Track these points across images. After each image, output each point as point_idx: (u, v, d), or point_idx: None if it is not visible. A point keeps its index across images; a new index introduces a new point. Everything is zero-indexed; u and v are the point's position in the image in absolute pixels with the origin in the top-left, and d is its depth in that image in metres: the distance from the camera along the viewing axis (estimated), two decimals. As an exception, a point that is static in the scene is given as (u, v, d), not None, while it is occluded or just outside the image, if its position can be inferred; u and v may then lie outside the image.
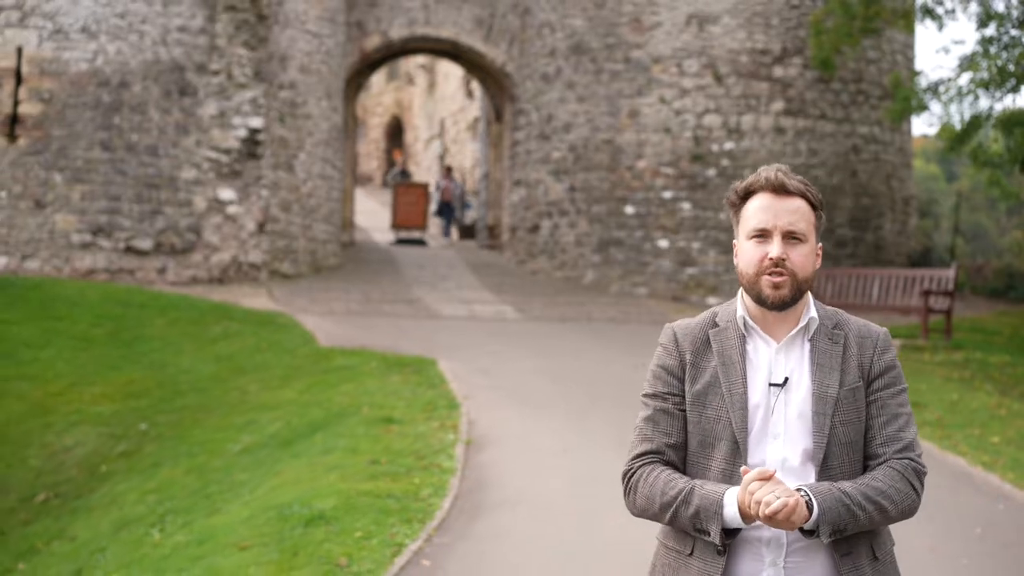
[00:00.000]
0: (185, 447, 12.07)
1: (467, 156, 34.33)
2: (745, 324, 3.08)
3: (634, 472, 3.07)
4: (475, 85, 32.91)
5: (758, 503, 2.80)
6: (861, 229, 22.58)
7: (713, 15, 21.79)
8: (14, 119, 19.31)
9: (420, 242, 27.55)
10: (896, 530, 4.52)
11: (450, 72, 35.99)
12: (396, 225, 28.01)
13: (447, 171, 30.94)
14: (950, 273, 17.50)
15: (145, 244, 19.70)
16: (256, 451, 11.02)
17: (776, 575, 2.96)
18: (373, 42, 23.97)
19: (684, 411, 3.08)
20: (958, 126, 18.24)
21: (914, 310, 17.46)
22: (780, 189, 3.04)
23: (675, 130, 21.85)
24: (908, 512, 3.02)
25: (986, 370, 15.36)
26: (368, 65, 24.94)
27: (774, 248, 3.01)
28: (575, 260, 22.59)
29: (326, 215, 22.62)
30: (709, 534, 2.92)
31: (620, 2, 22.14)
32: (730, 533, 2.94)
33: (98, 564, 9.23)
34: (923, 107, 18.73)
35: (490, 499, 7.97)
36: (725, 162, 21.69)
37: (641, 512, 3.07)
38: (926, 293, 16.91)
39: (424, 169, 39.18)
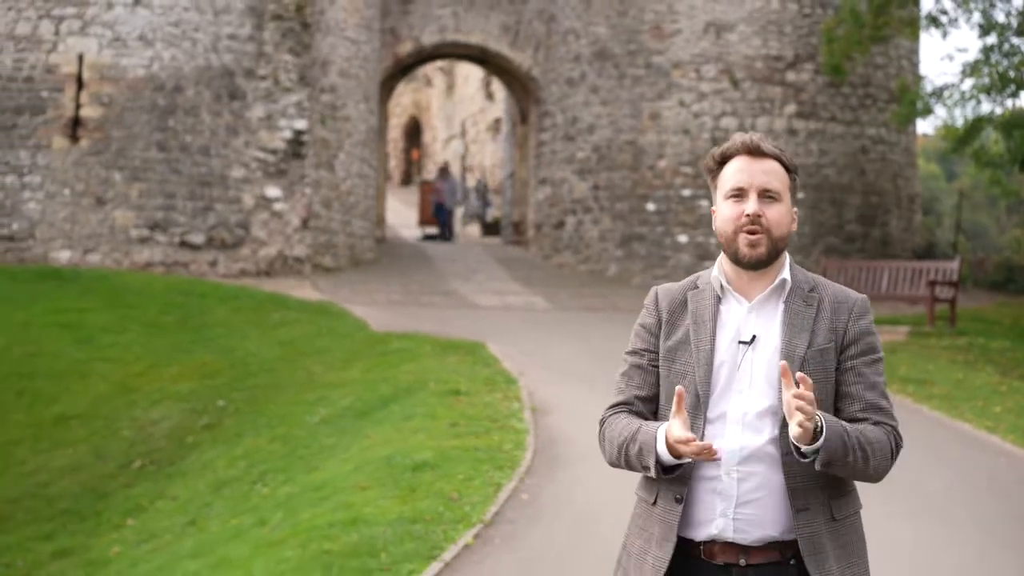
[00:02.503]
0: (264, 420, 13.34)
1: (487, 156, 35.63)
2: (721, 286, 3.18)
3: (604, 421, 3.22)
4: (495, 87, 34.19)
5: (677, 441, 2.95)
6: (869, 225, 23.88)
7: (730, 23, 23.09)
8: (76, 122, 20.59)
9: (446, 238, 28.82)
10: (918, 473, 5.82)
11: (469, 74, 37.27)
12: (423, 222, 29.27)
13: (442, 170, 30.99)
14: (954, 265, 18.81)
15: (198, 239, 20.98)
16: (334, 421, 12.29)
17: (726, 525, 3.05)
18: (406, 48, 25.28)
19: (656, 366, 3.20)
20: (961, 129, 19.52)
21: (921, 299, 18.75)
22: (755, 151, 3.15)
23: (694, 132, 23.14)
24: (879, 473, 3.08)
25: (988, 354, 16.63)
26: (400, 69, 26.22)
27: (750, 205, 3.10)
28: (599, 254, 23.89)
29: (363, 212, 23.91)
30: (649, 469, 3.04)
31: (642, 10, 23.43)
32: (667, 470, 3.03)
33: (209, 515, 10.49)
34: (928, 111, 20.00)
35: (563, 452, 9.27)
36: (741, 162, 22.96)
37: (609, 458, 3.19)
38: (932, 283, 18.20)
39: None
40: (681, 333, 3.17)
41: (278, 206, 21.60)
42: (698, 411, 3.09)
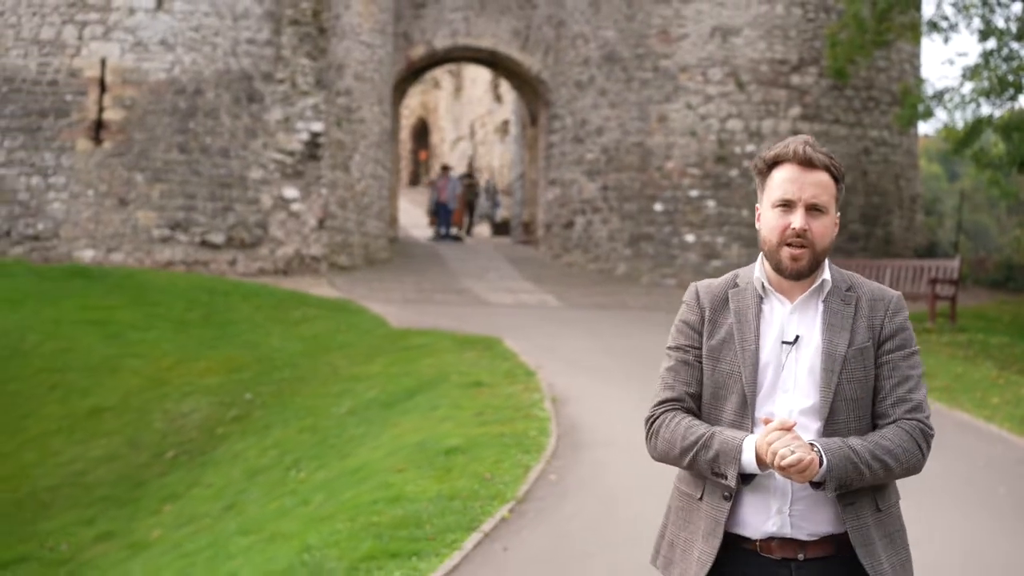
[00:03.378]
0: (291, 412, 13.89)
1: (495, 157, 36.18)
2: (763, 286, 3.22)
3: (656, 418, 3.24)
4: (504, 90, 34.74)
5: (774, 454, 2.97)
6: (871, 225, 24.44)
7: (735, 27, 23.64)
8: (99, 124, 21.15)
9: (456, 238, 29.37)
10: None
11: (477, 77, 37.83)
12: (435, 222, 29.82)
13: (444, 169, 30.93)
14: (955, 264, 19.36)
15: (218, 238, 21.55)
16: (361, 412, 12.83)
17: (782, 522, 3.11)
18: (419, 51, 25.84)
19: (701, 363, 3.24)
20: (961, 131, 20.06)
21: (922, 297, 19.28)
22: (806, 162, 3.14)
23: (700, 133, 23.69)
24: (912, 470, 3.14)
25: (987, 350, 17.16)
26: (412, 72, 26.78)
27: (797, 219, 3.11)
28: (608, 254, 24.44)
29: (377, 212, 24.47)
30: (726, 477, 3.08)
31: (649, 15, 23.99)
32: (745, 479, 3.09)
33: (247, 500, 11.05)
34: (930, 113, 20.56)
35: (585, 439, 9.82)
36: (747, 163, 23.52)
37: (661, 456, 3.23)
38: (933, 281, 18.75)
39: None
40: (724, 332, 3.21)
41: (295, 206, 22.16)
42: (745, 411, 3.14)
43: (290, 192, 22.12)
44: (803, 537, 3.11)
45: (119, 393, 14.99)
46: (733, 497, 3.11)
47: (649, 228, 23.91)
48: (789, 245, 3.12)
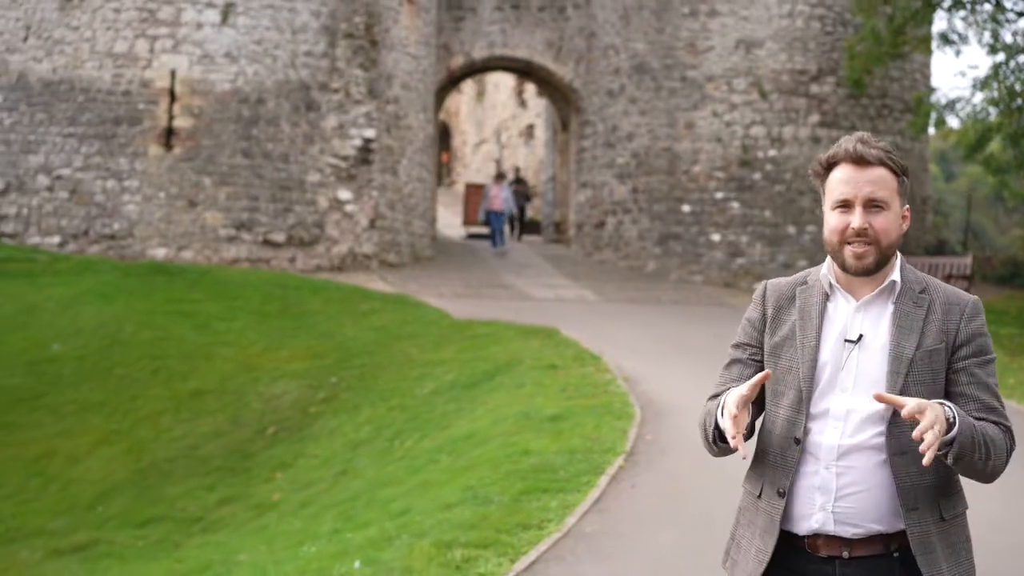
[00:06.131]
0: (376, 393, 15.46)
1: (520, 159, 37.78)
2: (830, 284, 3.19)
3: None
4: (528, 95, 36.34)
5: (729, 412, 3.00)
6: (885, 225, 26.04)
7: (758, 40, 25.26)
8: (170, 131, 22.73)
9: (490, 237, 30.91)
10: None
11: (500, 82, 39.42)
12: (467, 222, 31.40)
13: (497, 177, 30.55)
14: (967, 260, 21.02)
15: (279, 237, 23.13)
16: (445, 392, 14.41)
17: (826, 519, 3.09)
18: (458, 61, 27.44)
19: (758, 360, 3.24)
20: (972, 138, 21.68)
21: (937, 292, 20.92)
22: (860, 160, 3.11)
23: (725, 139, 25.31)
24: (996, 472, 3.05)
25: (998, 340, 18.75)
26: (451, 81, 28.38)
27: (856, 218, 3.07)
28: (638, 252, 26.05)
29: (422, 212, 26.06)
30: (713, 438, 3.17)
31: (677, 28, 25.60)
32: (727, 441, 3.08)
33: (358, 467, 12.60)
34: (942, 122, 22.19)
35: (664, 409, 11.42)
36: (769, 167, 25.17)
37: (706, 442, 3.28)
38: (947, 277, 20.39)
39: (473, 171, 42.66)
40: (787, 329, 3.19)
41: (349, 207, 23.74)
42: (800, 406, 3.11)
43: (344, 194, 23.69)
44: (848, 535, 3.08)
45: (216, 377, 16.55)
46: (786, 494, 3.12)
47: (677, 228, 25.51)
48: (851, 244, 3.10)
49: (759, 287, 3.34)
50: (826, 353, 3.13)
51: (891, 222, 3.12)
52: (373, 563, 6.71)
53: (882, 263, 3.12)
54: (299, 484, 13.01)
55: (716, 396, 3.24)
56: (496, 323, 17.93)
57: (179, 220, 22.64)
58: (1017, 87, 21.10)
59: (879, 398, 2.92)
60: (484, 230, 31.21)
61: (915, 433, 2.84)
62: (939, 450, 2.89)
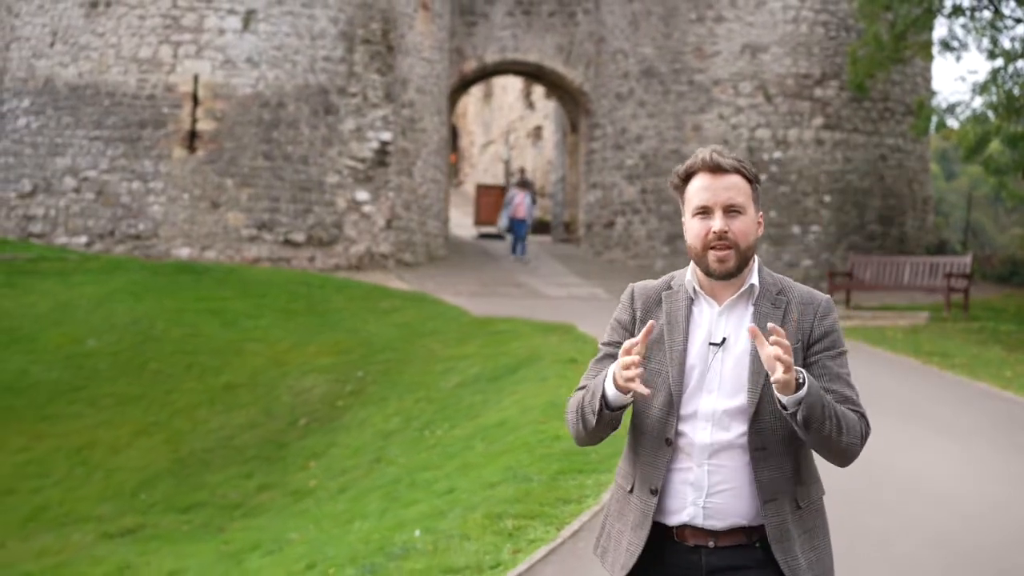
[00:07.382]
0: (402, 387, 16.15)
1: (527, 160, 38.49)
2: (694, 289, 3.32)
3: (569, 400, 3.43)
4: (535, 97, 37.04)
5: (614, 373, 3.12)
6: (887, 225, 26.77)
7: (764, 45, 25.97)
8: (193, 134, 23.42)
9: (500, 237, 31.62)
10: (951, 413, 8.51)
11: (507, 84, 40.12)
12: (478, 222, 32.10)
13: (521, 185, 29.48)
14: (967, 260, 21.72)
15: (299, 237, 23.84)
16: (470, 385, 15.09)
17: (696, 513, 3.24)
18: (471, 65, 28.16)
19: None
20: (972, 140, 22.35)
21: (938, 290, 21.62)
22: (716, 168, 3.25)
23: (732, 142, 26.01)
24: (850, 451, 3.20)
25: (997, 336, 19.48)
26: (463, 84, 29.08)
27: (716, 222, 3.20)
28: (647, 251, 26.77)
29: (436, 213, 26.77)
30: (595, 412, 3.21)
31: (685, 33, 26.31)
32: (616, 410, 3.19)
33: (391, 455, 13.29)
34: (943, 125, 22.89)
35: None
36: (774, 169, 25.88)
37: (574, 430, 3.37)
38: (948, 276, 21.08)
39: (480, 171, 43.37)
40: (655, 333, 3.28)
41: (366, 208, 24.44)
42: (671, 409, 3.23)
43: (362, 195, 24.39)
44: (715, 528, 3.24)
45: (247, 372, 17.25)
46: (659, 491, 3.25)
47: (685, 228, 26.18)
48: (713, 248, 3.22)
49: (627, 290, 3.47)
50: (693, 356, 3.27)
51: (748, 226, 3.26)
52: (432, 531, 7.40)
53: (742, 266, 3.27)
54: (334, 472, 13.69)
55: (580, 388, 3.37)
56: (514, 320, 18.61)
57: (202, 220, 23.33)
58: (1015, 91, 21.78)
59: (752, 332, 3.06)
60: (493, 229, 31.95)
61: (770, 340, 3.01)
62: (787, 410, 3.06)
